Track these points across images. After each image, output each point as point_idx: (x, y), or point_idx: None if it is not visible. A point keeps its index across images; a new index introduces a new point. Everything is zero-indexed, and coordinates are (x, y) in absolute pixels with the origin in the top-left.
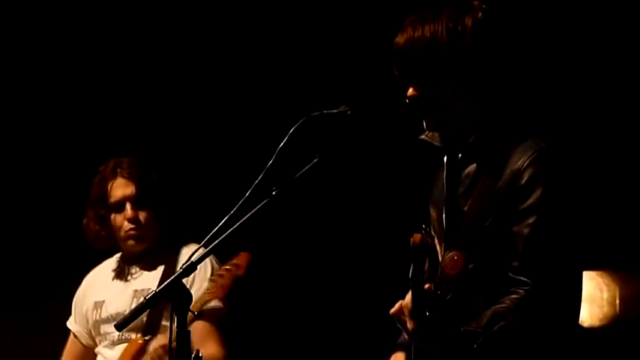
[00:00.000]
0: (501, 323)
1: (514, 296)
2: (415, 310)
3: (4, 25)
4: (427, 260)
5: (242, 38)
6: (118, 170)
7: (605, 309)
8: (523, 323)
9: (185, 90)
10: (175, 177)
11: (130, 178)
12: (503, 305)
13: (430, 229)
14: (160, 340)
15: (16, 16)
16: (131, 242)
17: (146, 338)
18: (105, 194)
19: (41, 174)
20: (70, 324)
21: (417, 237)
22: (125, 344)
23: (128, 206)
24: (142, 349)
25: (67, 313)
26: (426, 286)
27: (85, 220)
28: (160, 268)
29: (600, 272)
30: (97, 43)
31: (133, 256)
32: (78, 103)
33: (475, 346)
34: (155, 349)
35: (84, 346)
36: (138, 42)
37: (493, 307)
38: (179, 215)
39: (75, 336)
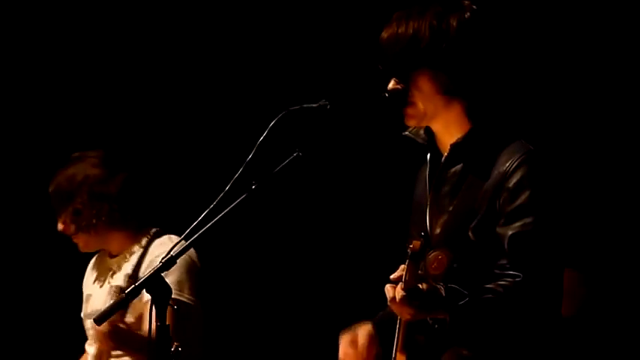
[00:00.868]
0: (489, 295)
1: (503, 282)
2: (408, 281)
3: None
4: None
5: (222, 32)
6: (51, 181)
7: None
8: (509, 304)
9: (165, 84)
10: (151, 171)
11: (53, 191)
12: (492, 285)
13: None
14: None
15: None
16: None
17: None
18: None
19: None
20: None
21: (417, 244)
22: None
23: (59, 219)
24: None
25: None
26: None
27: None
28: (130, 264)
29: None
30: (74, 35)
31: (110, 253)
32: (51, 93)
33: (459, 304)
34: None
35: None
36: (115, 33)
37: (483, 285)
38: (136, 207)
39: None
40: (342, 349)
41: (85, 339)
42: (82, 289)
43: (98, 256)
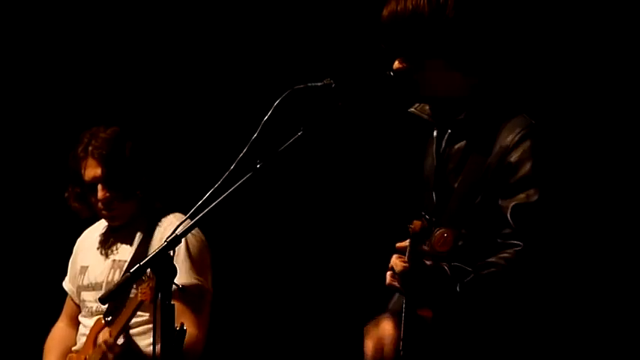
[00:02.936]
0: (492, 269)
1: (505, 254)
2: (411, 256)
3: None
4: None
5: (227, 12)
6: (90, 149)
7: None
8: (511, 276)
9: (173, 64)
10: (159, 149)
11: (100, 158)
12: (494, 259)
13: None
14: (105, 334)
15: None
16: (107, 220)
17: (107, 319)
18: (79, 173)
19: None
20: (65, 284)
21: (417, 224)
22: (100, 316)
23: (99, 187)
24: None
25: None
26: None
27: (66, 194)
28: (136, 240)
29: None
30: (80, 16)
31: (114, 227)
32: (67, 70)
33: (464, 281)
34: (100, 344)
35: (77, 306)
36: (123, 17)
37: (485, 260)
38: (157, 187)
39: (70, 297)
40: (371, 344)
41: (59, 308)
42: (70, 260)
43: (94, 229)
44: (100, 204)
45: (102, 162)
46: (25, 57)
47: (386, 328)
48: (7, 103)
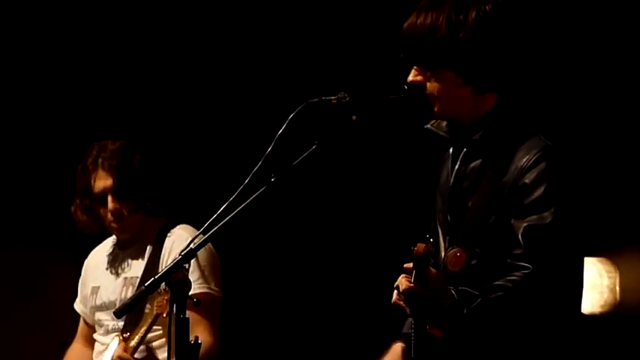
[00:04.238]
0: (499, 293)
1: (513, 277)
2: (416, 276)
3: None
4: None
5: (241, 24)
6: (99, 161)
7: (606, 296)
8: (520, 300)
9: (185, 77)
10: (172, 163)
11: (110, 169)
12: (502, 282)
13: (435, 224)
14: (120, 350)
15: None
16: (116, 233)
17: (125, 335)
18: (88, 185)
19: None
20: (77, 305)
21: (421, 247)
22: (117, 333)
23: (109, 198)
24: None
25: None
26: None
27: (72, 208)
28: (146, 255)
29: (601, 259)
30: (87, 25)
31: (123, 243)
32: (75, 83)
33: (471, 306)
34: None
35: (90, 327)
36: (132, 24)
37: (493, 282)
38: (165, 200)
39: (83, 318)
40: None
41: (73, 329)
42: (79, 282)
43: (101, 249)
44: (109, 215)
45: (112, 173)
46: (32, 70)
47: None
48: (15, 117)
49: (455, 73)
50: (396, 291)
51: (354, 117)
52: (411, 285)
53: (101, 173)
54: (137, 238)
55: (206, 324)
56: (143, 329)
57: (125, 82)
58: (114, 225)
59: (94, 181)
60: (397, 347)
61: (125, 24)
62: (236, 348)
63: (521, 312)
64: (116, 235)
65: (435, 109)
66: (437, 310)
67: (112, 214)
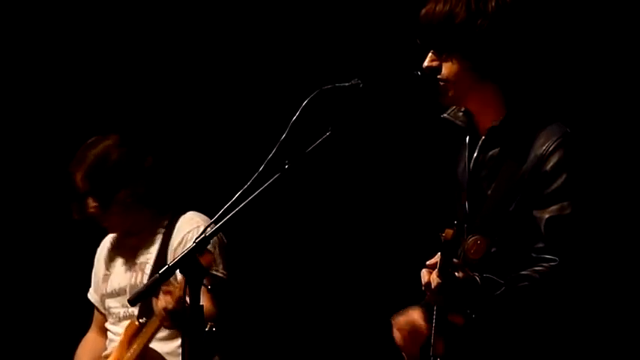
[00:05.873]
0: (525, 283)
1: (539, 268)
2: (442, 268)
3: None
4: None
5: (252, 10)
6: (76, 164)
7: None
8: (546, 291)
9: (199, 65)
10: (173, 157)
11: (86, 171)
12: (528, 272)
13: (454, 213)
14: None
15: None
16: (109, 230)
17: (141, 321)
18: (74, 187)
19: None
20: (90, 295)
21: (449, 232)
22: (129, 321)
23: (90, 200)
24: (139, 331)
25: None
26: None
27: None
28: (157, 241)
29: None
30: (87, 25)
31: (131, 230)
32: (75, 83)
33: (495, 294)
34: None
35: (104, 315)
36: (135, 20)
37: (519, 272)
38: (161, 186)
39: (96, 307)
40: (399, 331)
41: (88, 318)
42: (91, 271)
43: (112, 236)
44: (93, 216)
45: (88, 174)
46: (33, 70)
47: (415, 317)
48: (14, 118)
49: (469, 64)
50: (428, 291)
51: (367, 103)
52: (440, 280)
53: (79, 175)
54: (142, 224)
55: (209, 297)
56: (144, 340)
57: (133, 67)
58: (102, 225)
59: (77, 183)
60: (414, 312)
61: (124, 22)
62: (244, 336)
63: (545, 303)
64: (109, 232)
65: (450, 93)
66: (462, 300)
67: (94, 215)
